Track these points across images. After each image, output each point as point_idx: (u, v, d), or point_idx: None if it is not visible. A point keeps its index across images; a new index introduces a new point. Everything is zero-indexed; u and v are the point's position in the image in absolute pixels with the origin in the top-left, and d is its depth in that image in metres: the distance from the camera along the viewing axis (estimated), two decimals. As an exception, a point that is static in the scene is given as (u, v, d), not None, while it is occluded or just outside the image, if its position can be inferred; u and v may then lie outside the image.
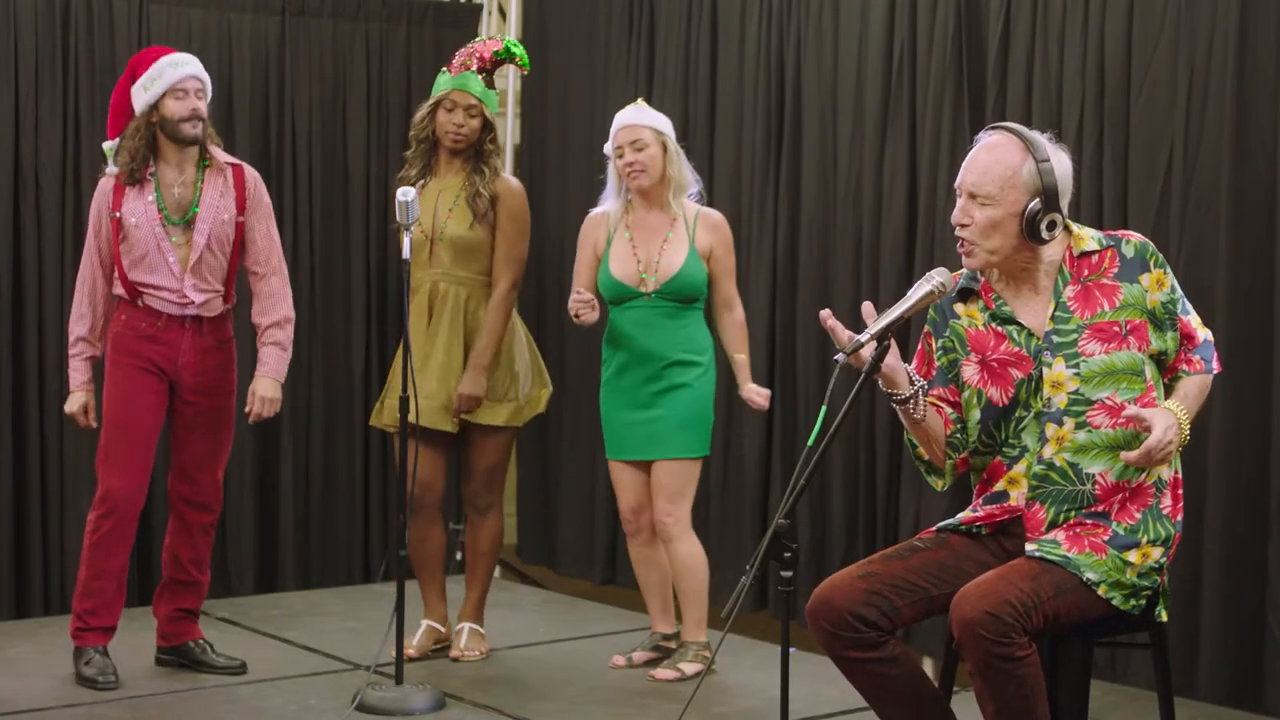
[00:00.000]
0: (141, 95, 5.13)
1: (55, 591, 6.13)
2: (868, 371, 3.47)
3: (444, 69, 5.56)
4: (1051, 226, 3.55)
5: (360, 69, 6.83)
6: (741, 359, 5.41)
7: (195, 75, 5.17)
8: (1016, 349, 3.61)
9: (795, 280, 6.07)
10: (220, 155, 5.26)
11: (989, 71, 5.42)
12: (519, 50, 5.62)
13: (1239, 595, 4.87)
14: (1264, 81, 4.81)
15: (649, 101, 6.45)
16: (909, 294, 3.58)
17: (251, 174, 5.30)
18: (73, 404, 5.25)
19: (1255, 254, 4.85)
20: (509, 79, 7.33)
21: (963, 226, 3.58)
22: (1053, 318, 3.59)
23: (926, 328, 3.75)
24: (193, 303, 5.16)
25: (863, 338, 3.46)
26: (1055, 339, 3.58)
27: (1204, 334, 3.67)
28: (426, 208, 5.43)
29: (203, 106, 5.16)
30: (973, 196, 3.56)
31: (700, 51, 6.42)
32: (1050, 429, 3.57)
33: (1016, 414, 3.61)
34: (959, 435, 3.70)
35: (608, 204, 5.43)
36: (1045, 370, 3.58)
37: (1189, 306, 3.67)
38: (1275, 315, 4.81)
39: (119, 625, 5.27)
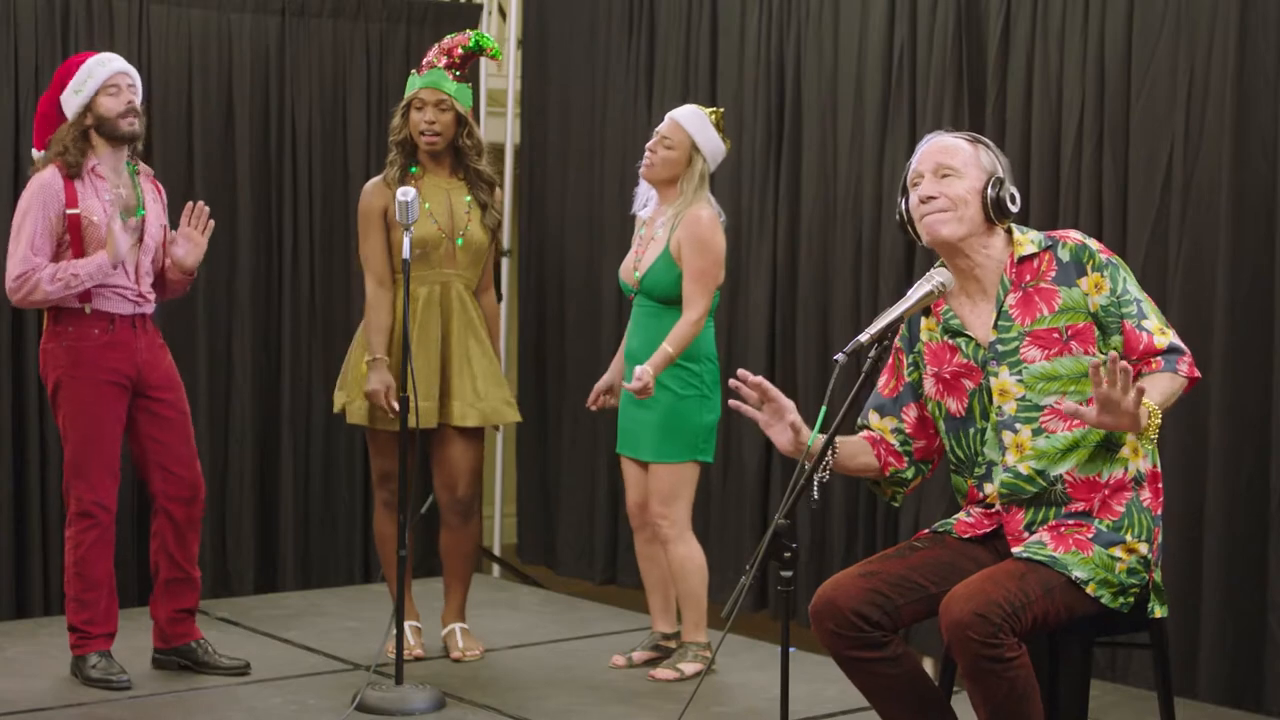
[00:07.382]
0: (74, 100, 5.04)
1: (55, 592, 6.11)
2: (868, 371, 3.46)
3: (413, 71, 5.53)
4: (1014, 199, 3.58)
5: (360, 69, 6.83)
6: (665, 350, 5.13)
7: (125, 71, 5.10)
8: (966, 361, 3.62)
9: (795, 280, 6.07)
10: (140, 163, 5.25)
11: (989, 71, 5.42)
12: (488, 42, 5.50)
13: (1239, 595, 4.87)
14: (1264, 81, 4.81)
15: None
16: (909, 294, 3.58)
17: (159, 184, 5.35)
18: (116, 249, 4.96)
19: (1255, 254, 4.84)
20: (509, 79, 7.33)
21: (932, 199, 3.57)
22: (996, 326, 3.58)
23: (898, 343, 3.74)
24: (148, 300, 5.16)
25: (863, 338, 3.46)
26: (999, 348, 3.58)
27: (1167, 341, 3.50)
28: (439, 205, 5.42)
29: (138, 102, 5.10)
30: (940, 174, 3.57)
31: (700, 51, 6.42)
32: (1008, 436, 3.57)
33: (976, 426, 3.62)
34: (904, 473, 3.74)
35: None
36: (993, 380, 3.58)
37: (1148, 310, 3.51)
38: (1275, 315, 4.81)
39: (119, 628, 5.26)
